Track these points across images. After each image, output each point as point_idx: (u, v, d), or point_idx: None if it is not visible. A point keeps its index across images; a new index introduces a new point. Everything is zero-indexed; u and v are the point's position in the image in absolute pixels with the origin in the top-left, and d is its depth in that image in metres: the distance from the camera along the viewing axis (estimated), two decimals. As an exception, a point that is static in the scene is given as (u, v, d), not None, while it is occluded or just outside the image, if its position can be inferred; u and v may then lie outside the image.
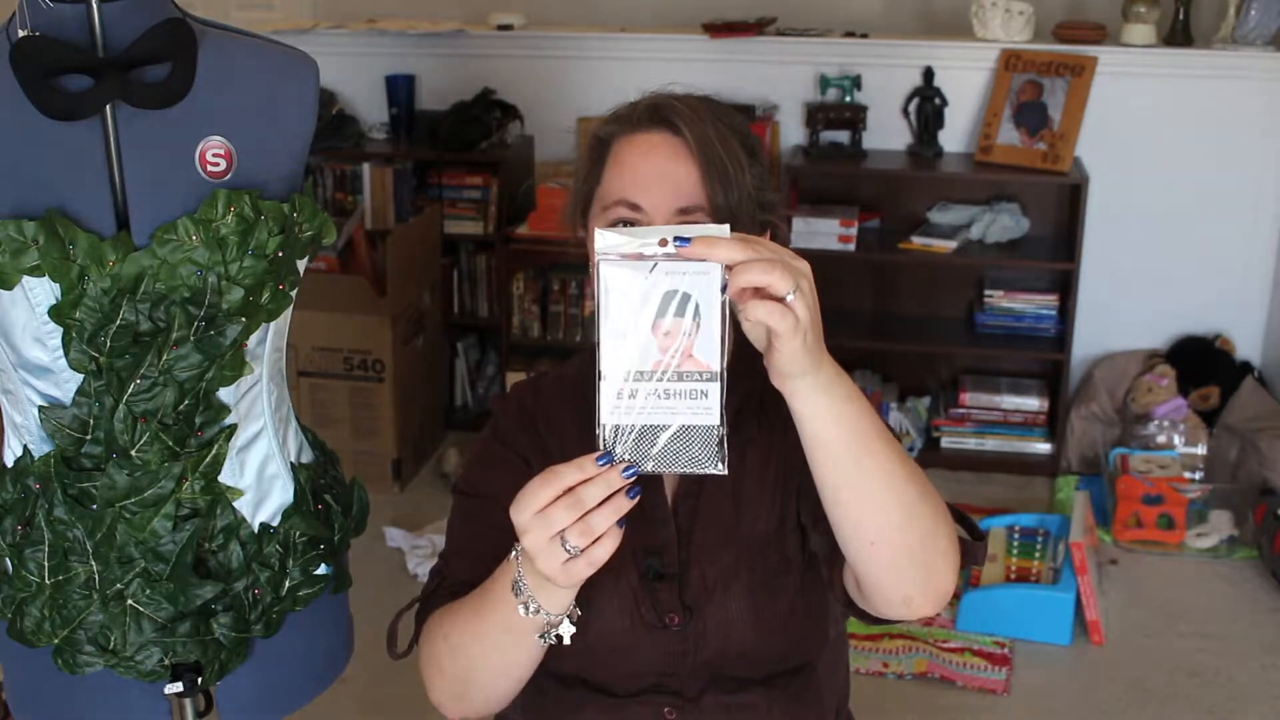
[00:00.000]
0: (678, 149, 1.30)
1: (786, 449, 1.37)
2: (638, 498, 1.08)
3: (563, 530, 1.07)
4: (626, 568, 1.35)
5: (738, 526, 1.38)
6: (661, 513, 1.38)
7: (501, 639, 1.22)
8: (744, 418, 1.40)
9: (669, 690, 1.37)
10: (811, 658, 1.41)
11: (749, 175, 1.32)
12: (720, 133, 1.31)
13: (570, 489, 1.07)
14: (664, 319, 1.04)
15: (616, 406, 1.05)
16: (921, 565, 1.18)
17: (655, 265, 1.03)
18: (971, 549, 1.28)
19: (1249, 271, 4.02)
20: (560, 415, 1.44)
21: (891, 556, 1.17)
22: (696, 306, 1.03)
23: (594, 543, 1.07)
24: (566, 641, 1.19)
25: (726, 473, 1.07)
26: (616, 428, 1.06)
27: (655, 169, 1.31)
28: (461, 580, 1.35)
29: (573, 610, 1.19)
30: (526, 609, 1.16)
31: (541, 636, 1.20)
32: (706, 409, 1.06)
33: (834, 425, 1.10)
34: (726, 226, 1.05)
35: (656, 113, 1.33)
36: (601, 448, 1.06)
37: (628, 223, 1.31)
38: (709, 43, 4.05)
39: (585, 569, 1.09)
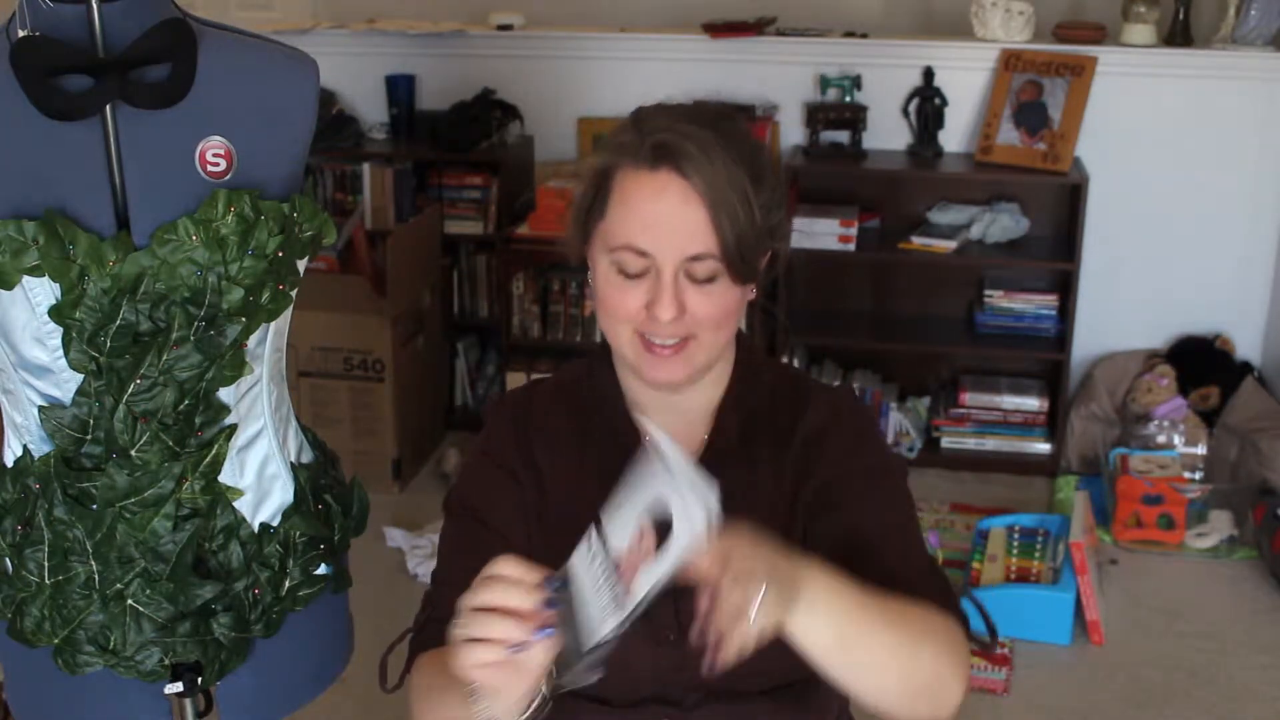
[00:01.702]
0: (687, 194, 1.26)
1: (796, 473, 1.38)
2: (544, 639, 1.09)
3: (477, 637, 1.09)
4: None
5: None
6: None
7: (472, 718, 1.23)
8: (755, 432, 1.40)
9: (668, 700, 1.37)
10: (814, 671, 1.40)
11: (756, 208, 1.28)
12: (728, 169, 1.27)
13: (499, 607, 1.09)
14: (647, 526, 1.08)
15: (581, 555, 1.11)
16: (928, 697, 1.23)
17: (678, 490, 1.07)
18: (971, 639, 1.33)
19: (1249, 271, 4.02)
20: (555, 424, 1.43)
21: (899, 705, 1.22)
22: (670, 542, 1.07)
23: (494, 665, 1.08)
24: None
25: (594, 680, 1.12)
26: (569, 570, 1.11)
27: (664, 216, 1.27)
28: (451, 616, 1.35)
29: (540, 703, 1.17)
30: (475, 702, 1.15)
31: None
32: (616, 614, 1.08)
33: (826, 631, 1.15)
34: (704, 531, 1.06)
35: (663, 152, 1.27)
36: (558, 574, 1.11)
37: (633, 273, 1.29)
38: (709, 43, 4.05)
39: (480, 675, 1.09)
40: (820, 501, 1.37)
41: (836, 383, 4.08)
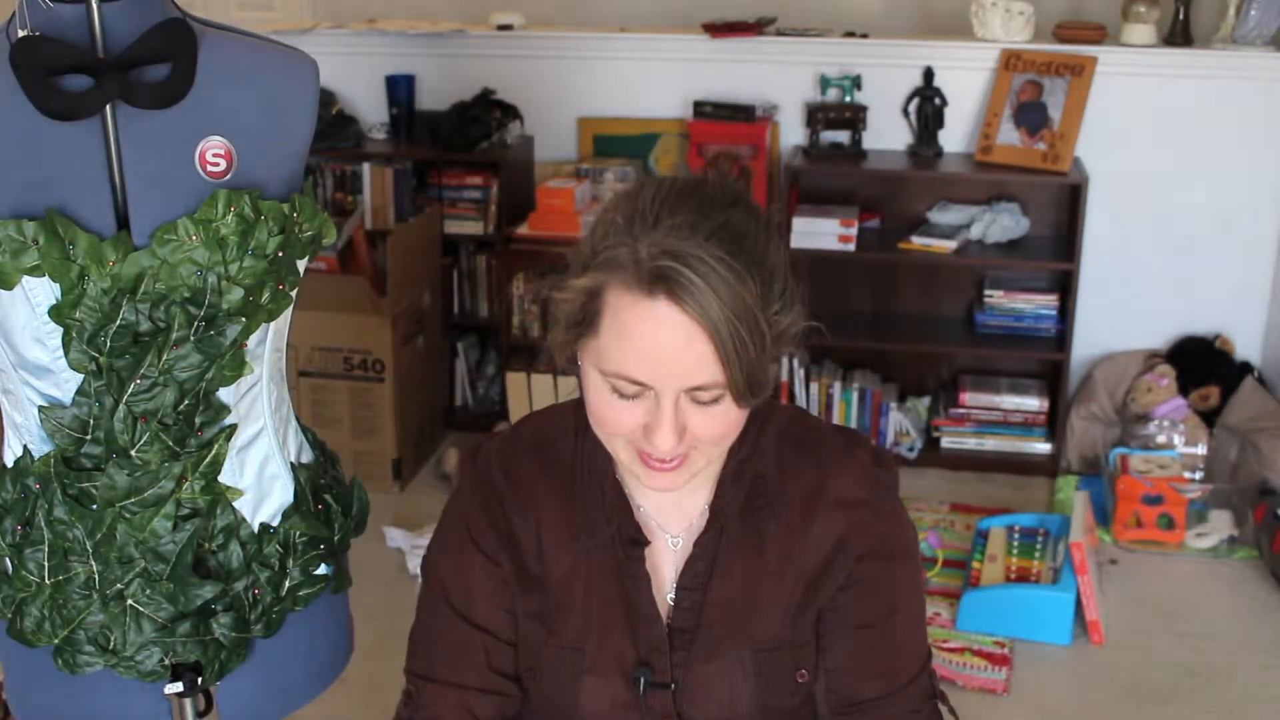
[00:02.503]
0: (689, 328, 1.13)
1: (805, 555, 1.32)
2: None
3: None
4: (619, 669, 1.33)
5: (748, 627, 1.32)
6: (649, 611, 1.33)
7: None
8: (761, 503, 1.33)
9: None
10: None
11: (767, 326, 1.16)
12: (735, 291, 1.13)
13: None
14: None
15: None
16: None
17: None
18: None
19: (1249, 271, 4.02)
20: (534, 487, 1.36)
21: None
22: None
23: None
24: None
25: None
26: None
27: (663, 349, 1.14)
28: (430, 717, 1.35)
29: None
30: None
31: None
32: None
33: None
34: None
35: (662, 279, 1.13)
36: None
37: (629, 395, 1.20)
38: (709, 43, 4.05)
39: None
40: (836, 605, 1.33)
41: (838, 388, 4.09)
